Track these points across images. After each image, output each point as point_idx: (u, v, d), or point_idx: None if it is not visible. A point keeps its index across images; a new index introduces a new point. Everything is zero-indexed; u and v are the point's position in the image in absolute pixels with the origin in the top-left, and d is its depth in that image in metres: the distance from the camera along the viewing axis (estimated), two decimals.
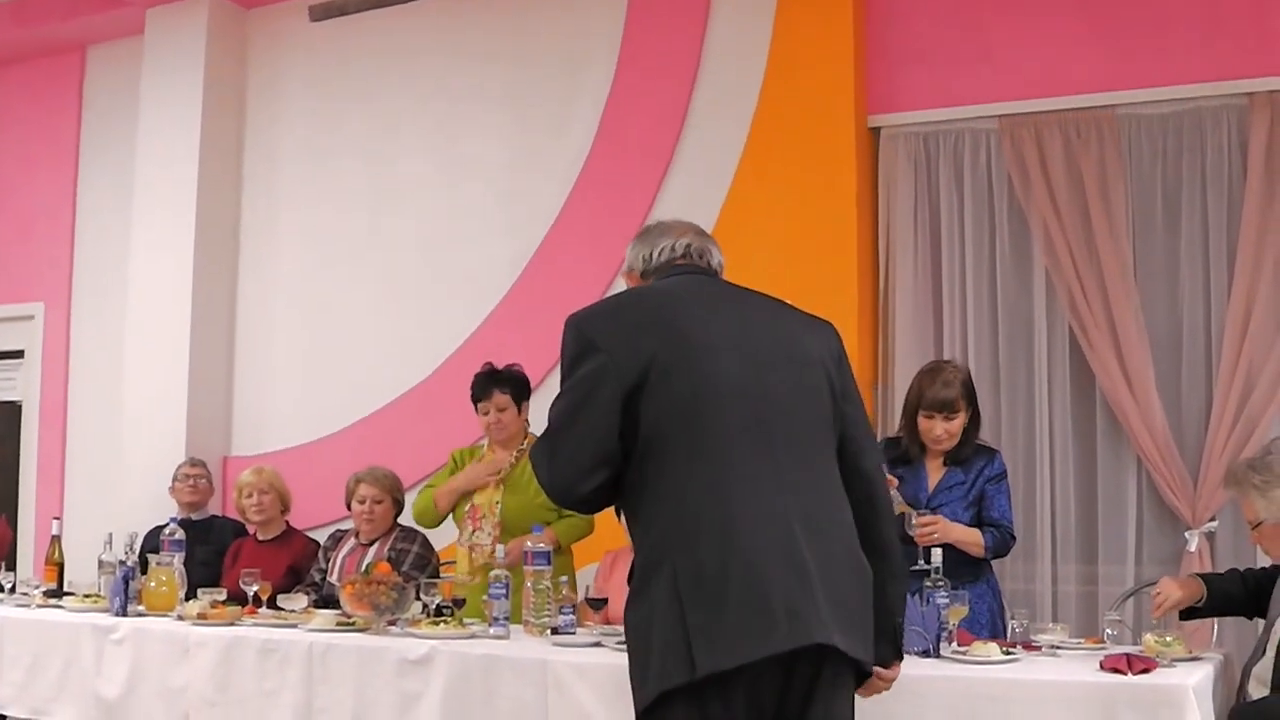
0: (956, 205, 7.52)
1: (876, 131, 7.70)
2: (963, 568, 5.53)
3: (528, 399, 6.82)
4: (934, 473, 5.81)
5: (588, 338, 3.70)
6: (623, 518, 3.79)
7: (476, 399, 6.75)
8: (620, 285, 7.52)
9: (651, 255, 4.03)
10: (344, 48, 9.03)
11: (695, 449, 3.58)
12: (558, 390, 3.71)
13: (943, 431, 5.70)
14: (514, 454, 6.72)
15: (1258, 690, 4.97)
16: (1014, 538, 5.80)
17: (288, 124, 9.20)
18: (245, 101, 9.35)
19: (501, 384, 6.74)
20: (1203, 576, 5.46)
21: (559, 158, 8.25)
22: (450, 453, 6.97)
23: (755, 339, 3.76)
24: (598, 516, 6.54)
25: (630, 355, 3.61)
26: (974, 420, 5.81)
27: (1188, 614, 5.41)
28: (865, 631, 3.63)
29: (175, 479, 8.14)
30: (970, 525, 5.66)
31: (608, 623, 5.75)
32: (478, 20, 8.65)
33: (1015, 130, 7.38)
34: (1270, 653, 4.95)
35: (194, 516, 7.91)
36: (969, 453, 5.81)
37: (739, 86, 7.75)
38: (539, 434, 3.79)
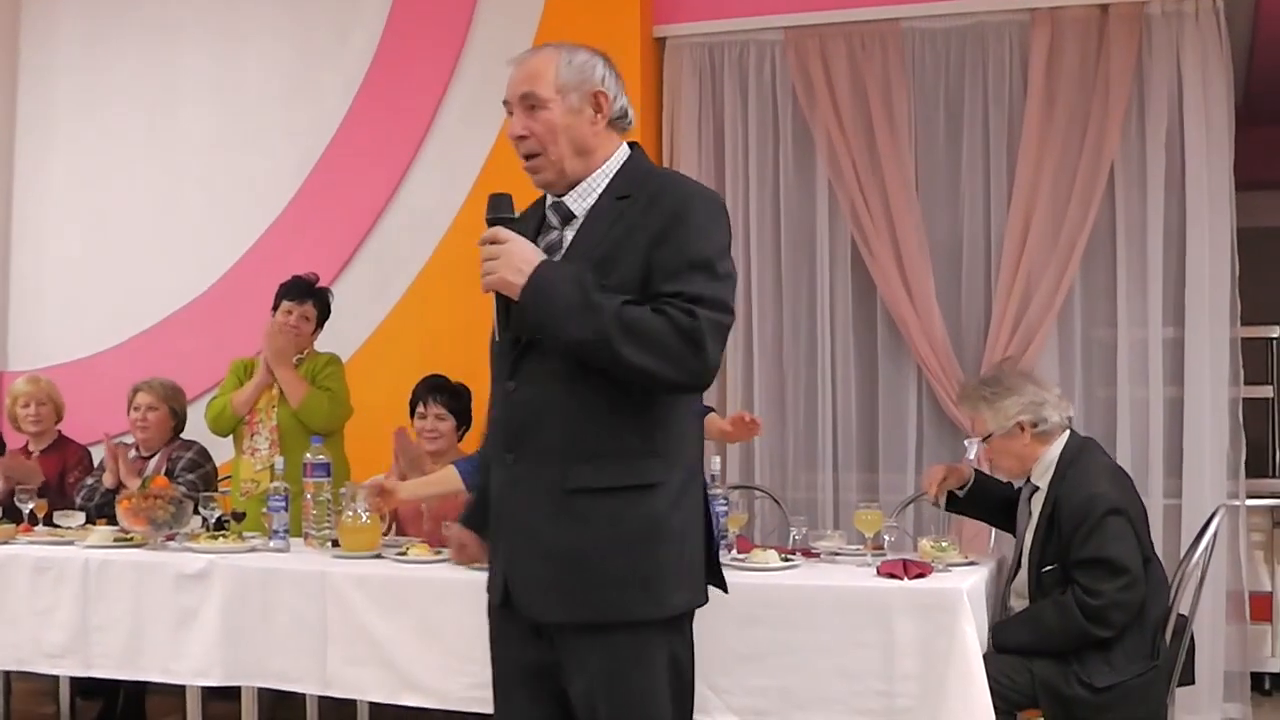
0: (741, 116, 7.52)
1: (662, 42, 7.66)
2: None
3: (323, 325, 6.81)
4: None
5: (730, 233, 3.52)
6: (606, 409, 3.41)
7: (288, 297, 6.67)
8: (426, 155, 7.68)
9: (626, 111, 3.61)
10: None
11: None
12: (716, 267, 3.38)
13: None
14: (293, 361, 6.66)
15: (1018, 604, 5.12)
16: None
17: (64, 27, 8.88)
18: (19, 2, 9.04)
19: (317, 298, 6.74)
20: (976, 472, 5.58)
21: (343, 59, 8.09)
22: (230, 363, 6.88)
23: None
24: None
25: None
26: None
27: (953, 505, 5.53)
28: None
29: None
30: None
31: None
32: None
33: (800, 42, 7.38)
34: (1024, 565, 5.08)
35: None
36: None
37: None
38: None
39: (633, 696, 3.41)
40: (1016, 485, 5.44)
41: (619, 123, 3.59)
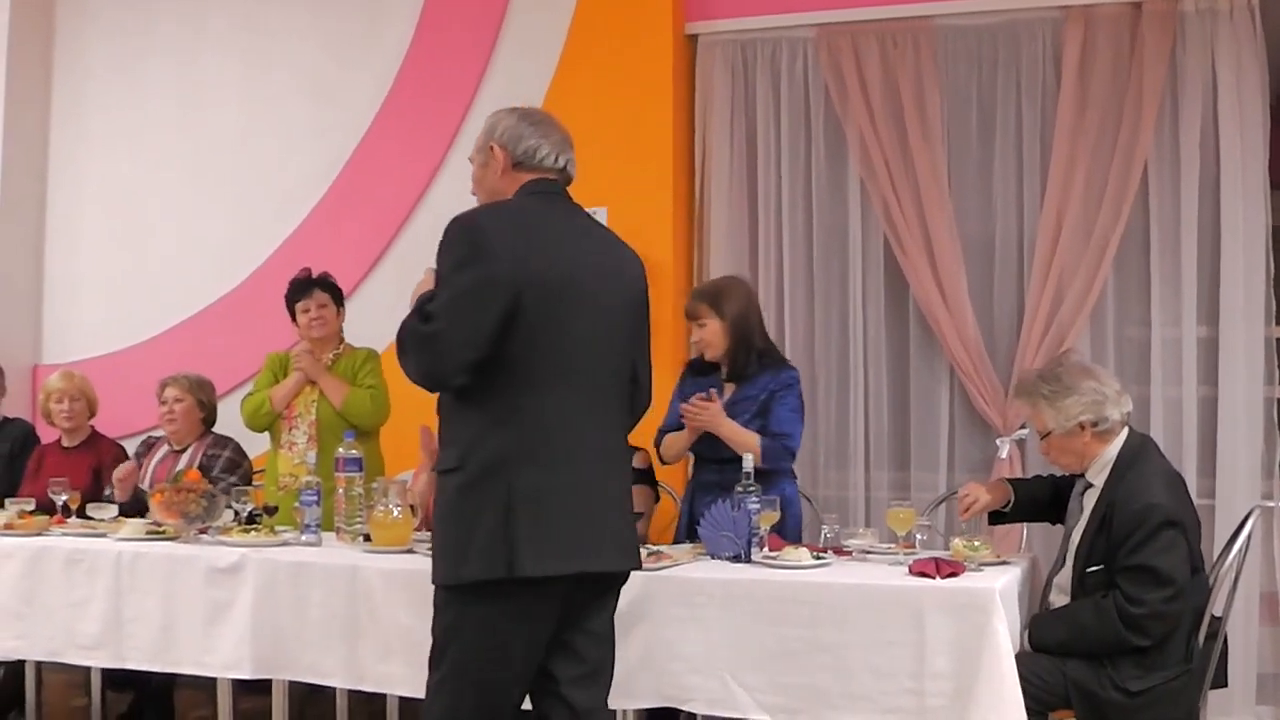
0: (773, 114, 7.50)
1: (694, 39, 7.64)
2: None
3: (343, 305, 6.84)
4: (727, 391, 5.85)
5: (480, 242, 3.91)
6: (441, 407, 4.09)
7: (296, 298, 6.75)
8: (458, 155, 7.60)
9: (534, 152, 4.16)
10: None
11: (548, 378, 3.96)
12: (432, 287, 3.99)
13: (697, 338, 5.86)
14: (329, 356, 6.72)
15: (1059, 599, 5.07)
16: (790, 451, 5.77)
17: (97, 27, 8.90)
18: (54, 4, 9.05)
19: (321, 285, 6.79)
20: (1010, 481, 5.55)
21: (374, 59, 8.12)
22: (265, 356, 6.92)
23: (604, 277, 4.13)
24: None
25: (518, 269, 3.89)
26: (739, 333, 5.84)
27: (996, 518, 5.51)
28: (634, 546, 4.23)
29: None
30: None
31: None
32: None
33: (832, 39, 7.36)
34: (1069, 561, 5.04)
35: None
36: (752, 370, 5.82)
37: None
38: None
39: (433, 642, 4.03)
40: (1059, 474, 5.43)
41: (528, 164, 4.18)
